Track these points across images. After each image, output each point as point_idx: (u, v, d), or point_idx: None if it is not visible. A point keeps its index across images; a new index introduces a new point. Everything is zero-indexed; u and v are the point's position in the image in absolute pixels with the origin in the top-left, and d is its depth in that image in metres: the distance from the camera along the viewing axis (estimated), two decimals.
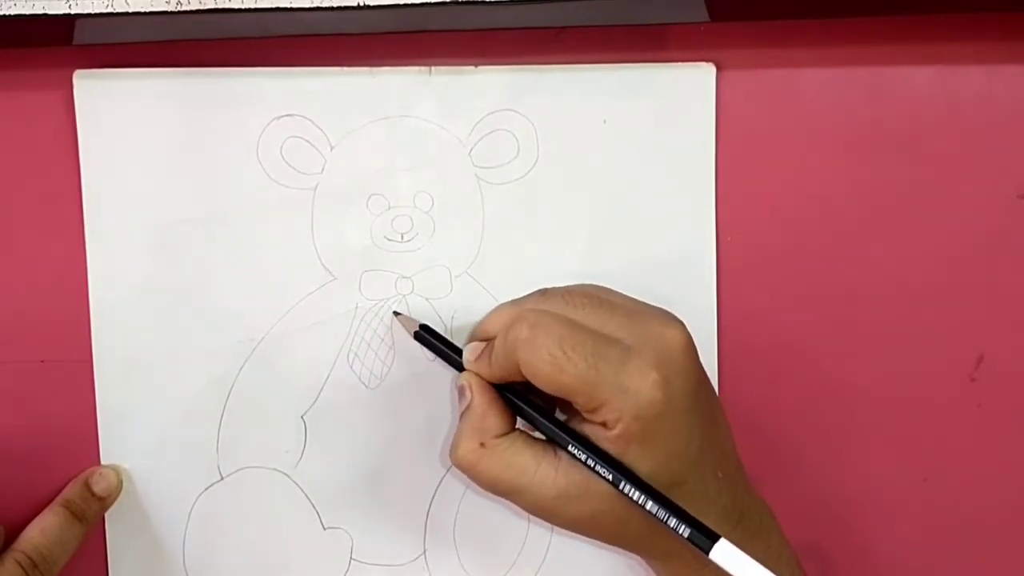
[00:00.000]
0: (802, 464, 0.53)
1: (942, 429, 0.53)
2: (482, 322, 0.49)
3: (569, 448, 0.44)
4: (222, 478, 0.51)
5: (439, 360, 0.49)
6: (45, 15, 0.45)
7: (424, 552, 0.52)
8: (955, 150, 0.52)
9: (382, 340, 0.51)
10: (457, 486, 0.52)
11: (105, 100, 0.49)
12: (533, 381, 0.44)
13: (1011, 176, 0.52)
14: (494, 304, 0.50)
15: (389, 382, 0.51)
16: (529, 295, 0.48)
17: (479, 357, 0.47)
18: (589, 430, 0.44)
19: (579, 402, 0.44)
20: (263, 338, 0.50)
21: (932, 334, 0.52)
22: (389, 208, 0.51)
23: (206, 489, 0.51)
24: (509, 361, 0.45)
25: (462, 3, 0.46)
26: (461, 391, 0.47)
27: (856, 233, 0.52)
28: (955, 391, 0.53)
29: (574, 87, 0.50)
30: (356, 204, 0.50)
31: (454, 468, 0.51)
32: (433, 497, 0.52)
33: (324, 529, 0.52)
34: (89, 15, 0.45)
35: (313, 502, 0.51)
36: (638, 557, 0.52)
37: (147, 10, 0.45)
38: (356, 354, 0.51)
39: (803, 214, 0.52)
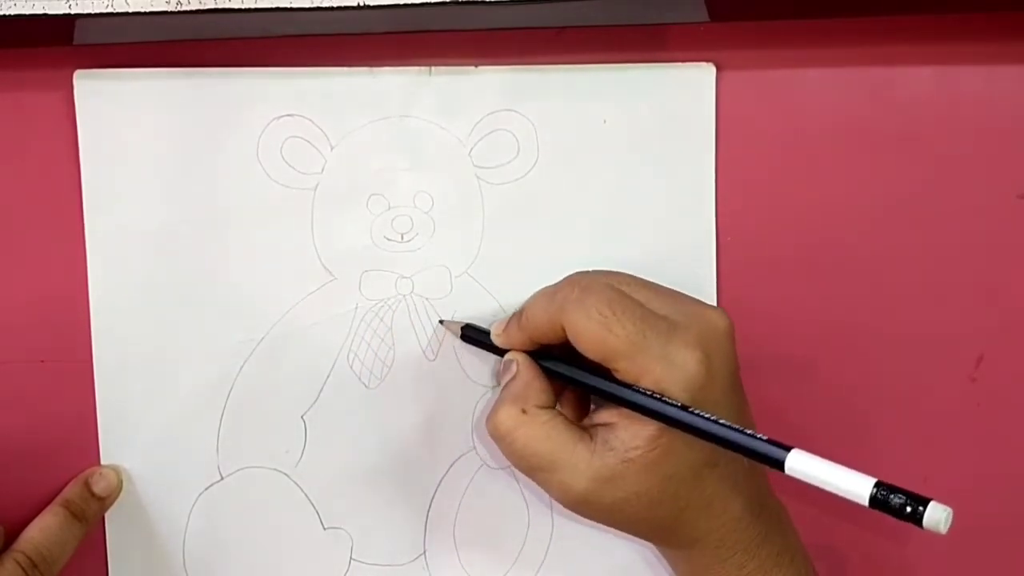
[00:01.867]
0: None
1: (942, 429, 0.53)
2: (522, 307, 0.48)
3: (633, 388, 0.43)
4: (222, 478, 0.51)
5: (439, 361, 0.50)
6: (45, 15, 0.45)
7: (424, 552, 0.52)
8: (955, 150, 0.52)
9: (382, 340, 0.51)
10: (457, 486, 0.52)
11: (105, 100, 0.49)
12: (578, 342, 0.44)
13: (1011, 176, 0.52)
14: (494, 304, 0.51)
15: (389, 382, 0.51)
16: (567, 276, 0.48)
17: (506, 327, 0.47)
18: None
19: (621, 367, 0.44)
20: (263, 338, 0.50)
21: (932, 334, 0.52)
22: (389, 208, 0.51)
23: (206, 489, 0.51)
24: (554, 323, 0.45)
25: (462, 3, 0.46)
26: (507, 366, 0.47)
27: (856, 233, 0.52)
28: (955, 391, 0.53)
29: (574, 87, 0.50)
30: (356, 204, 0.50)
31: (455, 466, 0.52)
32: (433, 497, 0.52)
33: (324, 529, 0.52)
34: (89, 15, 0.45)
35: (313, 502, 0.51)
36: (647, 551, 0.52)
37: (147, 10, 0.45)
38: (356, 354, 0.51)
39: (803, 214, 0.52)
